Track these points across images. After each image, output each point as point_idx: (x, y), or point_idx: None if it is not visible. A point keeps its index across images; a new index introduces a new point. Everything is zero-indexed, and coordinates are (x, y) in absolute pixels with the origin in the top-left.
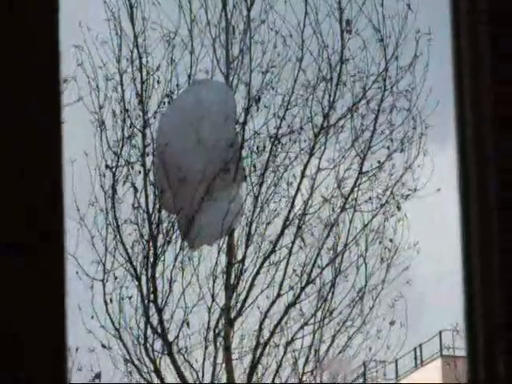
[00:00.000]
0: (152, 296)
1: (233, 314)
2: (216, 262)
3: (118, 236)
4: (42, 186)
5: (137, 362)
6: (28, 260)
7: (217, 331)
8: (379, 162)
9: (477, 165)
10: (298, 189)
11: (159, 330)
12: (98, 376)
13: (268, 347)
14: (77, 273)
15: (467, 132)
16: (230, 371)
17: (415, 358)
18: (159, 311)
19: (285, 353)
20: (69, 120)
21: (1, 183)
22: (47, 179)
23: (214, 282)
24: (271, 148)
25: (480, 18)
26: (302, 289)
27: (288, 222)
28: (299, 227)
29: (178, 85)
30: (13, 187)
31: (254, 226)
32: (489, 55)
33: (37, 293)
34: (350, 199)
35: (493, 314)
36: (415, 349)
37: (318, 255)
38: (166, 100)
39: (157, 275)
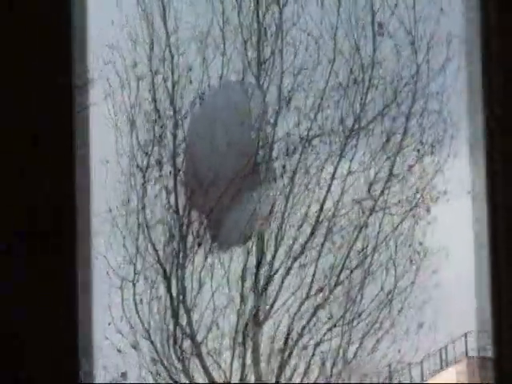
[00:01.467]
0: (181, 297)
1: (261, 316)
2: (245, 264)
3: (148, 237)
4: (42, 186)
5: (165, 363)
6: (28, 260)
7: (245, 333)
8: (409, 165)
9: (504, 166)
10: (329, 191)
11: (188, 331)
12: (123, 376)
13: (296, 349)
14: (107, 273)
15: (495, 133)
16: (258, 373)
17: (441, 360)
18: (188, 312)
19: (313, 355)
20: (99, 120)
21: (4, 183)
22: (51, 179)
23: (243, 283)
24: (302, 150)
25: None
26: (331, 291)
27: (318, 224)
28: (329, 229)
29: (209, 85)
30: (13, 187)
31: (283, 227)
32: None
33: (40, 294)
34: (379, 202)
35: None
36: (440, 350)
37: (347, 257)
38: (198, 101)
39: (186, 276)
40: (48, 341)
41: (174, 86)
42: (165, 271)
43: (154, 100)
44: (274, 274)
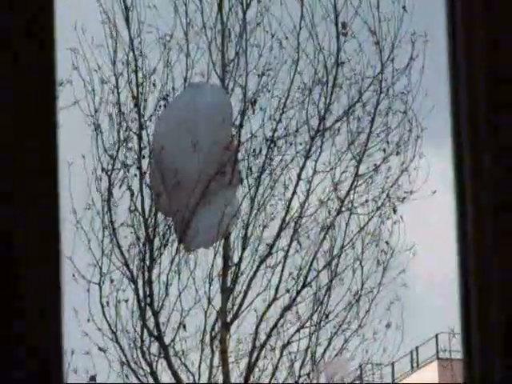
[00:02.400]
0: (148, 299)
1: (229, 317)
2: (212, 265)
3: (114, 239)
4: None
5: (133, 365)
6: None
7: (213, 334)
8: (375, 164)
9: (472, 166)
10: (295, 191)
11: (155, 333)
12: (93, 378)
13: (264, 350)
14: (73, 276)
15: (462, 134)
16: (226, 374)
17: (411, 361)
18: (155, 314)
19: (281, 356)
20: (65, 123)
21: None
22: (41, 180)
23: (210, 285)
24: (267, 151)
25: (476, 19)
26: (299, 292)
27: (284, 225)
28: (295, 230)
29: (173, 88)
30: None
31: (250, 228)
32: (485, 56)
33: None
34: (346, 202)
35: (489, 317)
36: (411, 351)
37: (314, 258)
38: (162, 103)
39: (153, 278)
40: (43, 342)
41: (138, 89)
42: (131, 273)
43: (119, 103)
44: (241, 275)
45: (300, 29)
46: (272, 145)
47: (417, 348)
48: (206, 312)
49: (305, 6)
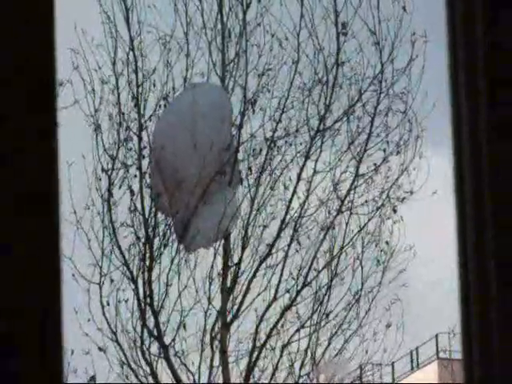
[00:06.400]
0: (148, 299)
1: (229, 317)
2: (212, 265)
3: (114, 239)
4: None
5: (133, 365)
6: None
7: (213, 334)
8: (375, 164)
9: (472, 167)
10: (295, 191)
11: (155, 333)
12: (92, 378)
13: (264, 350)
14: (73, 275)
15: (463, 134)
16: (226, 374)
17: (411, 361)
18: (155, 314)
19: (281, 356)
20: (65, 123)
21: None
22: (42, 181)
23: (210, 285)
24: (267, 151)
25: (476, 20)
26: (298, 292)
27: (284, 225)
28: (295, 230)
29: (173, 88)
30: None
31: (250, 228)
32: (485, 56)
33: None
34: (346, 202)
35: (488, 316)
36: (411, 352)
37: (314, 258)
38: (162, 103)
39: (153, 278)
40: (43, 342)
41: (138, 89)
42: (131, 273)
43: (119, 103)
44: (241, 275)
45: (300, 29)
46: (272, 145)
47: (417, 348)
48: (206, 312)
49: (305, 7)
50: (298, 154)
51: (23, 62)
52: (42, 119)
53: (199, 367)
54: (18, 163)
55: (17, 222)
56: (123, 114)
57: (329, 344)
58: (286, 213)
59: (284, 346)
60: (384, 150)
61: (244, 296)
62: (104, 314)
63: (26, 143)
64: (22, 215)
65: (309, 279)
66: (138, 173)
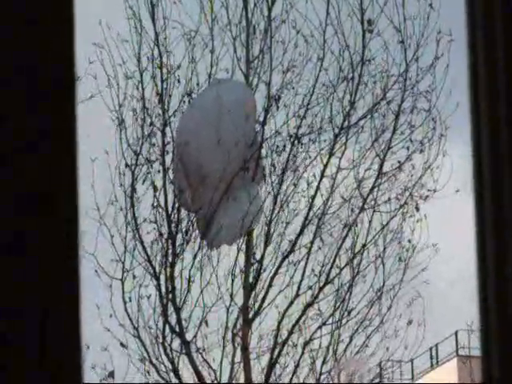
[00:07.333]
0: (170, 295)
1: (251, 314)
2: (235, 262)
3: (137, 235)
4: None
5: (155, 361)
6: (29, 259)
7: (235, 331)
8: (399, 162)
9: (491, 165)
10: (318, 188)
11: (177, 329)
12: (111, 374)
13: (286, 347)
14: (96, 271)
15: (482, 133)
16: (247, 371)
17: (431, 358)
18: (177, 310)
19: (303, 353)
20: (89, 118)
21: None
22: (60, 176)
23: (232, 281)
24: (291, 147)
25: (496, 19)
26: (321, 289)
27: (307, 222)
28: (318, 227)
29: (198, 84)
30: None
31: (273, 225)
32: (505, 55)
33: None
34: (369, 199)
35: (507, 314)
36: (431, 348)
37: (336, 255)
38: (186, 99)
39: (175, 274)
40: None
41: (162, 85)
42: (154, 269)
43: (143, 98)
44: (264, 271)
45: (326, 26)
46: (296, 141)
47: (436, 345)
48: (228, 308)
49: (331, 4)
50: (322, 151)
51: (23, 61)
52: (47, 119)
53: (221, 364)
54: (18, 163)
55: (17, 222)
56: (147, 109)
57: (350, 341)
58: (309, 210)
59: (306, 343)
60: (408, 148)
61: (266, 293)
62: (126, 309)
63: (26, 143)
64: (23, 215)
65: (331, 276)
66: (161, 168)
